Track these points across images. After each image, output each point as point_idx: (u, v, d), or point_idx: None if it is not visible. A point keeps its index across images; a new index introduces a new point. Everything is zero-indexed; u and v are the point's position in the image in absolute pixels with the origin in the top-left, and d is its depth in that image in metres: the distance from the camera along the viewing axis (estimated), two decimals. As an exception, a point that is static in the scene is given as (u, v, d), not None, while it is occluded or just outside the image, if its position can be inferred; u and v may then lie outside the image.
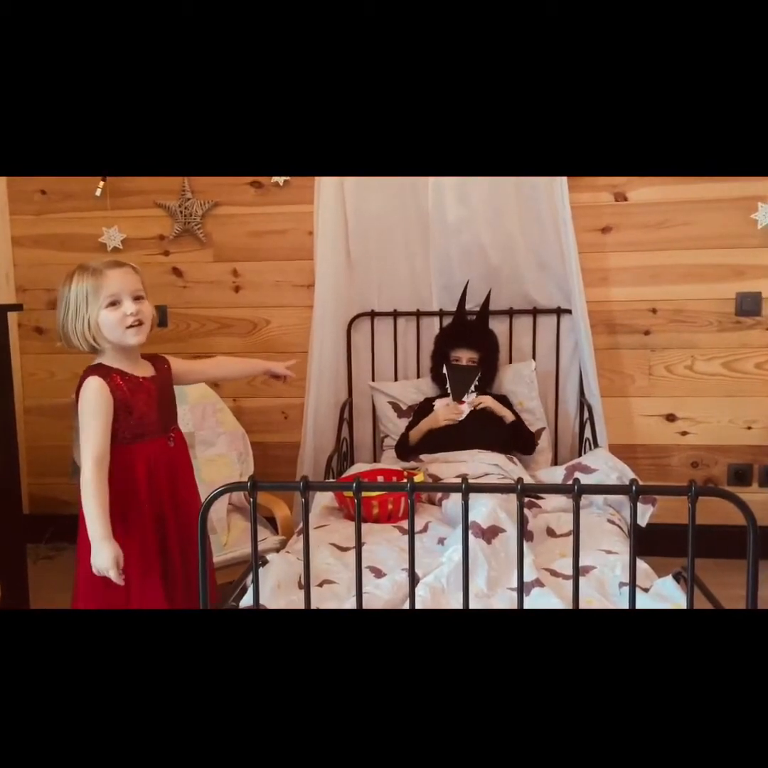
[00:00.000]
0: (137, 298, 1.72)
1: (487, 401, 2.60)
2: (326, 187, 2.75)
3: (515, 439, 2.59)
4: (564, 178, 2.60)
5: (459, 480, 2.25)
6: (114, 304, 1.69)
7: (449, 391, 2.65)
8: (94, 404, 1.68)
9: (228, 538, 2.48)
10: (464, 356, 2.69)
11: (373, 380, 2.91)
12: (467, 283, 2.75)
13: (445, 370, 2.68)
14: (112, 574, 1.59)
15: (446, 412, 2.61)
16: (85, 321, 1.68)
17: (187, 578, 1.78)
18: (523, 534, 1.33)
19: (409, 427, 2.71)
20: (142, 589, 1.71)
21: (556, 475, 2.43)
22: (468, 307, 2.77)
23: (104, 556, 1.60)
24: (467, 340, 2.69)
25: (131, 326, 1.70)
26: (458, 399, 2.62)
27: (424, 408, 2.72)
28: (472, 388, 2.63)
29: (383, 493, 2.16)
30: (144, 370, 1.79)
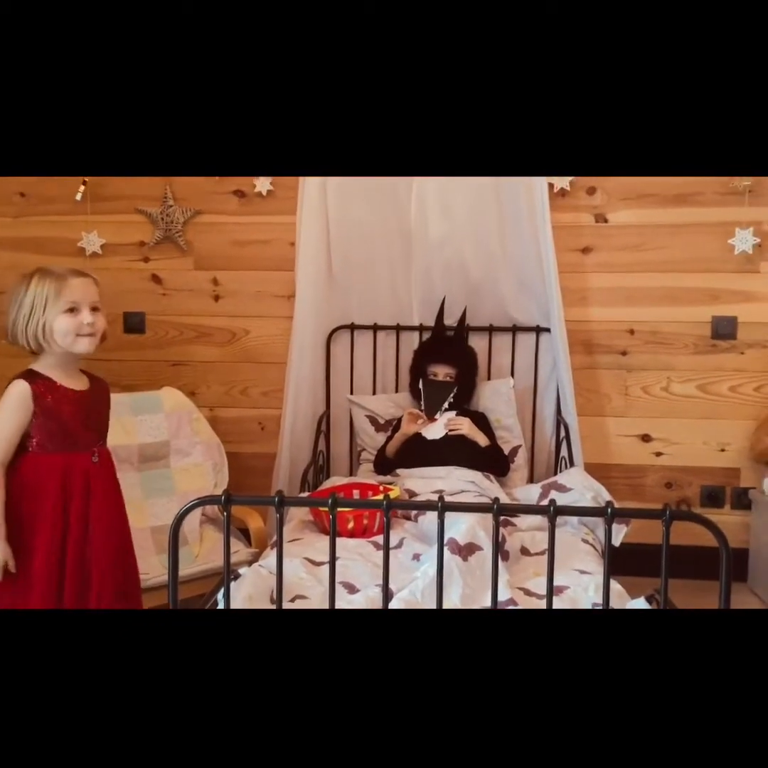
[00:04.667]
0: (94, 309, 1.77)
1: (464, 428, 2.59)
2: (309, 198, 2.75)
3: (490, 463, 2.59)
4: (546, 197, 2.62)
5: (435, 495, 2.26)
6: (72, 311, 1.73)
7: (423, 406, 2.65)
8: (10, 408, 1.72)
9: (200, 549, 2.45)
10: (441, 371, 2.69)
11: (351, 393, 2.91)
12: (444, 298, 2.76)
13: (421, 385, 2.68)
14: None
15: (410, 421, 2.60)
16: (40, 323, 1.72)
17: (82, 593, 1.77)
18: (499, 553, 1.33)
19: (387, 442, 2.70)
20: (25, 595, 1.72)
21: (531, 493, 2.43)
22: (448, 322, 2.78)
23: None
24: (444, 355, 2.70)
25: (83, 335, 1.75)
26: (431, 415, 2.62)
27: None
28: (446, 404, 2.63)
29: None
30: (77, 384, 1.81)
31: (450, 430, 2.59)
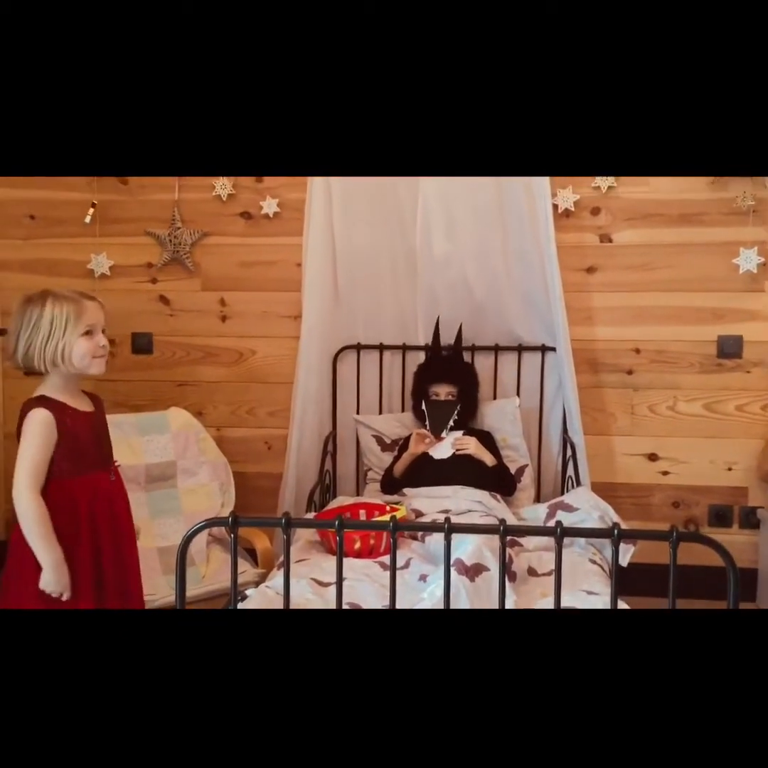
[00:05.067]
0: (103, 332, 1.83)
1: (471, 448, 2.60)
2: (316, 219, 2.78)
3: (496, 482, 2.59)
4: (550, 217, 2.64)
5: (442, 515, 2.26)
6: (88, 333, 1.77)
7: (428, 426, 2.65)
8: (39, 436, 1.73)
9: (207, 570, 2.45)
10: (442, 391, 2.70)
11: (357, 413, 2.91)
12: (438, 318, 2.78)
13: (424, 407, 2.69)
14: (66, 596, 1.70)
15: (418, 442, 2.61)
16: (59, 345, 1.74)
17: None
18: (506, 574, 1.32)
19: (394, 462, 2.70)
20: None
21: (538, 513, 2.43)
22: (449, 341, 2.79)
23: (61, 578, 1.69)
24: (444, 375, 2.71)
25: (98, 357, 1.79)
26: (437, 434, 2.62)
27: (409, 443, 2.71)
28: (452, 422, 2.64)
29: (365, 527, 2.14)
30: (84, 404, 1.85)
31: (457, 450, 2.60)
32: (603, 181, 2.76)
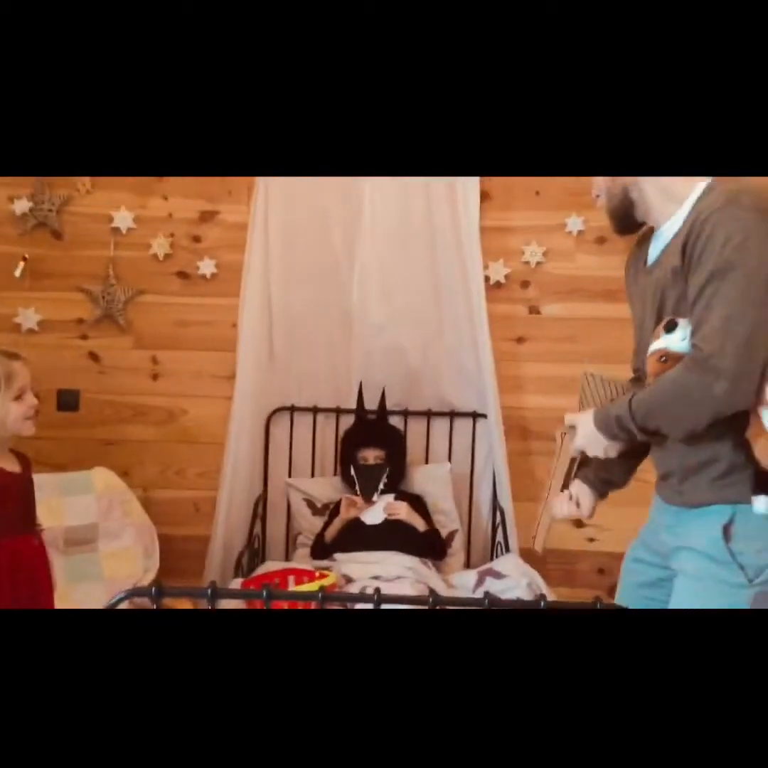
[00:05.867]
0: (30, 390, 1.80)
1: (402, 514, 2.60)
2: (253, 280, 2.80)
3: (428, 547, 2.59)
4: (482, 288, 2.74)
5: (372, 581, 2.24)
6: (19, 396, 1.75)
7: (358, 491, 2.65)
8: None
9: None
10: (371, 455, 2.71)
11: (289, 475, 2.89)
12: (361, 383, 2.81)
13: (352, 472, 2.69)
14: None
15: (348, 507, 2.60)
16: None
17: None
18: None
19: (325, 527, 2.68)
20: None
21: (468, 579, 2.44)
22: (388, 406, 2.82)
23: None
24: (372, 439, 2.73)
25: (29, 418, 1.78)
26: (368, 498, 2.62)
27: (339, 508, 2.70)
28: (381, 486, 2.64)
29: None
30: (11, 465, 1.81)
31: (389, 514, 2.59)
32: (532, 257, 2.87)
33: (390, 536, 2.54)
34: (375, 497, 2.62)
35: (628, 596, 1.69)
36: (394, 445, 2.76)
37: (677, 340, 1.42)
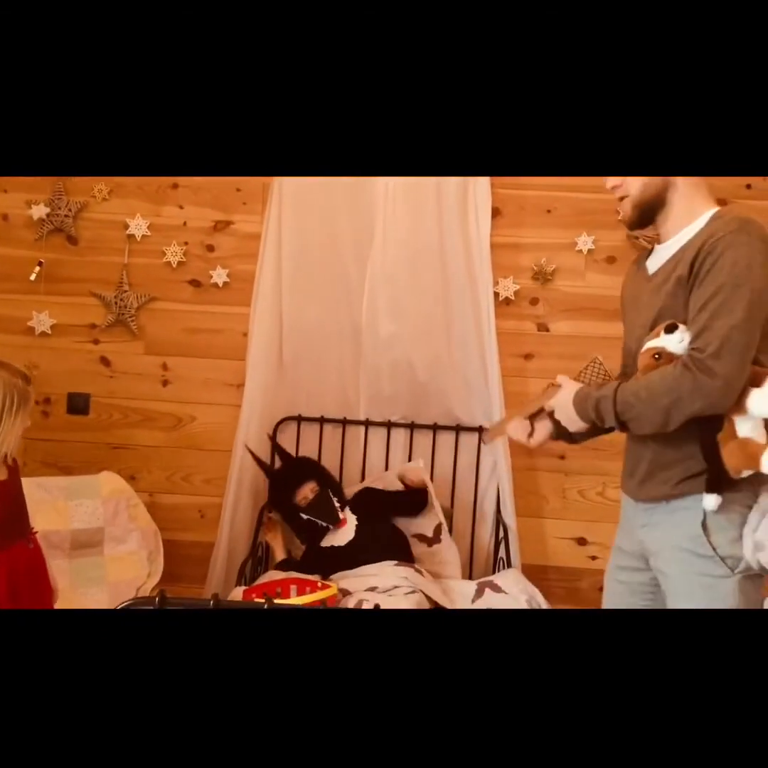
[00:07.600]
0: None
1: (418, 476, 2.76)
2: (264, 291, 2.83)
3: (406, 503, 2.73)
4: (491, 305, 2.76)
5: (369, 593, 2.25)
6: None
7: (324, 525, 2.64)
8: None
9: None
10: (307, 489, 2.69)
11: (294, 484, 2.90)
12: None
13: (304, 517, 2.66)
14: None
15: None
16: (9, 431, 1.73)
17: None
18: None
19: (305, 558, 2.69)
20: None
21: (467, 589, 2.45)
22: (393, 419, 2.84)
23: None
24: (300, 475, 2.72)
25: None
26: (336, 522, 2.63)
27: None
28: (337, 504, 2.65)
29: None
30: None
31: (409, 482, 2.79)
32: (541, 275, 2.89)
33: (372, 545, 2.55)
34: (342, 514, 2.64)
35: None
36: (314, 470, 2.75)
37: (675, 342, 1.51)
